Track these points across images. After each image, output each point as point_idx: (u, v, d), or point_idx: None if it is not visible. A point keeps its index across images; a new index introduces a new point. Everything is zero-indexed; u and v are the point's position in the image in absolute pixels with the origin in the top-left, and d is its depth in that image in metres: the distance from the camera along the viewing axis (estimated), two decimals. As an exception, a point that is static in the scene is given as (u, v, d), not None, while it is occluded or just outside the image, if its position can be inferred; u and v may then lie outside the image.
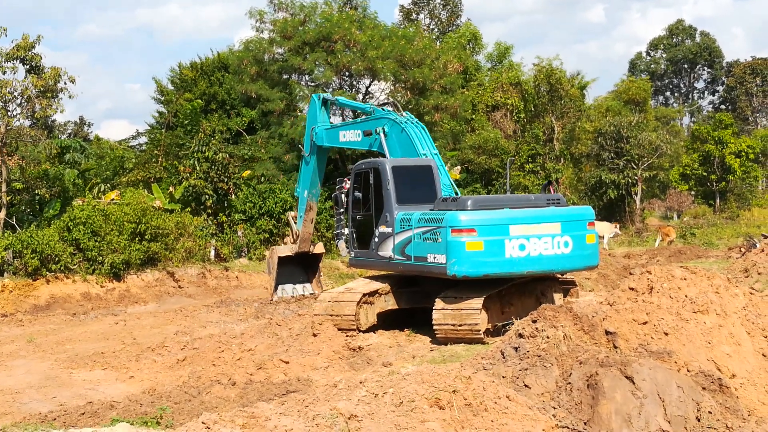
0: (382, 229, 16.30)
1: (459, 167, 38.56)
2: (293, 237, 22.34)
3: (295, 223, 22.31)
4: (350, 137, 20.03)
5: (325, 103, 21.50)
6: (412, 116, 18.79)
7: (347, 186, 17.76)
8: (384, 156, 17.99)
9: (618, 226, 39.27)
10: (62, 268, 24.29)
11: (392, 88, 40.36)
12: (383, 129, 18.30)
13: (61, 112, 28.58)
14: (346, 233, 18.04)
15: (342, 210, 18.10)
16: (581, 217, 15.61)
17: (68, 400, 12.25)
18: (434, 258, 14.65)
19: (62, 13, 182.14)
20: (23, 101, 27.20)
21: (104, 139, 51.99)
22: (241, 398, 11.54)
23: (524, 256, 14.57)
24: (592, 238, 15.52)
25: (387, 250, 16.12)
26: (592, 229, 15.61)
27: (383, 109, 19.50)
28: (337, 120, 27.65)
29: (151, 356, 15.09)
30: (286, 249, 22.45)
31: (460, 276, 14.31)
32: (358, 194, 17.30)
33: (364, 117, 20.15)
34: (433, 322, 14.64)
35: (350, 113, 36.00)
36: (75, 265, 24.61)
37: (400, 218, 15.77)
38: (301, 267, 23.25)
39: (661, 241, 37.49)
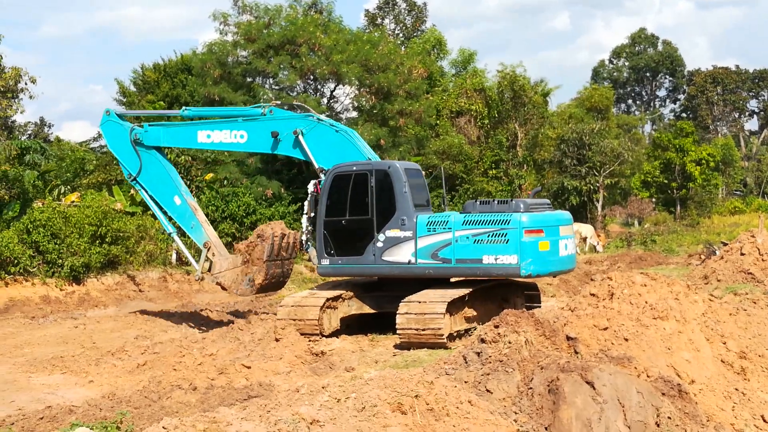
0: (392, 233, 15.80)
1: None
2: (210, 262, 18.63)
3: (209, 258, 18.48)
4: (223, 138, 17.72)
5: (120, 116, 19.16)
6: (334, 121, 17.78)
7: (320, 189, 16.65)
8: (291, 159, 17.35)
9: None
10: (21, 270, 23.93)
11: (357, 92, 40.35)
12: (301, 131, 16.99)
13: (21, 112, 28.27)
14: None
15: (313, 215, 16.90)
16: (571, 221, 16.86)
17: (27, 404, 12.08)
18: (496, 259, 14.93)
19: (23, 12, 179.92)
20: (-18, 101, 26.85)
21: (65, 140, 51.31)
22: (202, 403, 11.44)
23: (565, 255, 15.68)
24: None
25: (402, 255, 15.73)
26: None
27: (296, 112, 17.92)
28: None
29: (111, 360, 14.92)
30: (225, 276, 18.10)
31: (534, 275, 14.99)
32: (336, 198, 16.31)
33: (257, 116, 17.70)
34: (397, 326, 14.63)
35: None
36: (34, 267, 24.27)
37: (427, 221, 15.58)
38: None
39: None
